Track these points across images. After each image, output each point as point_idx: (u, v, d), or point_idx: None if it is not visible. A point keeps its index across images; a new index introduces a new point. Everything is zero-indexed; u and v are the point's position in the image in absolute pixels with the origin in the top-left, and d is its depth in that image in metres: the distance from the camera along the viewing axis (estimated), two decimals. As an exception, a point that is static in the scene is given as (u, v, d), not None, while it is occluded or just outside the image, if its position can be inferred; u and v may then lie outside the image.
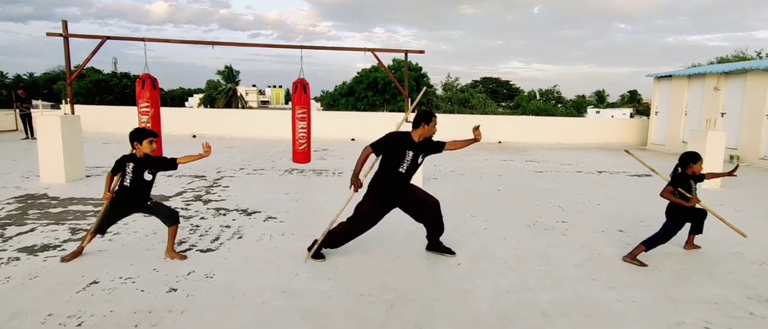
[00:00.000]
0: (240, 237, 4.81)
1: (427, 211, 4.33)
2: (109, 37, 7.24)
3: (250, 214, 5.73)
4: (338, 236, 4.22)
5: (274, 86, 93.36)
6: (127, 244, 4.47)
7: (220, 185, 7.48)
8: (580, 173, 10.12)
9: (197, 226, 5.15)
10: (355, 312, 3.23)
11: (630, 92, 75.93)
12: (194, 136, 15.84)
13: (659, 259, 4.51)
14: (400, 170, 4.12)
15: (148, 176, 4.07)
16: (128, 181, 3.99)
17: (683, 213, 4.44)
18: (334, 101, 33.60)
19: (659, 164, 11.97)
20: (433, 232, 4.47)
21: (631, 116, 52.03)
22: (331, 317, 3.14)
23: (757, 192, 8.49)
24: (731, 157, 12.53)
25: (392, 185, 4.17)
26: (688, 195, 4.36)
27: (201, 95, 55.93)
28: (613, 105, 70.04)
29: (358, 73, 32.65)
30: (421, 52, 8.01)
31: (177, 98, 67.83)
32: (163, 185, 7.36)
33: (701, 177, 4.63)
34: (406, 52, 7.97)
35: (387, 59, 35.06)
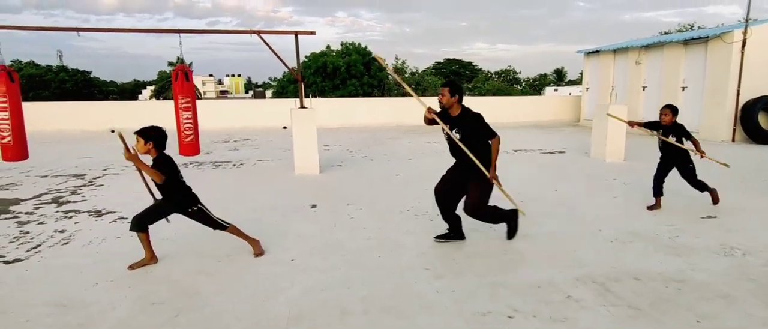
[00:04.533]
0: (66, 243, 4.37)
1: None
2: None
3: (100, 215, 5.27)
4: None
5: (233, 75, 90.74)
6: None
7: (93, 184, 6.94)
8: (496, 152, 10.00)
9: (25, 233, 4.66)
10: (128, 324, 2.88)
11: (586, 69, 77.55)
12: (113, 131, 14.97)
13: (512, 241, 4.35)
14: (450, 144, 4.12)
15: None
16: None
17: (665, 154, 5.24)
18: (283, 88, 32.72)
19: (583, 139, 12.06)
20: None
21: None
22: (91, 333, 2.78)
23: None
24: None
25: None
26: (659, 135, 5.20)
27: (153, 88, 53.79)
28: (572, 82, 71.31)
29: (305, 57, 31.79)
30: (312, 33, 7.61)
31: (128, 92, 65.00)
32: (28, 186, 6.77)
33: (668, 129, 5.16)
34: (297, 33, 7.54)
35: (334, 43, 34.28)
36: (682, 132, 5.14)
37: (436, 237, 4.39)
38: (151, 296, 3.28)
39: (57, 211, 5.47)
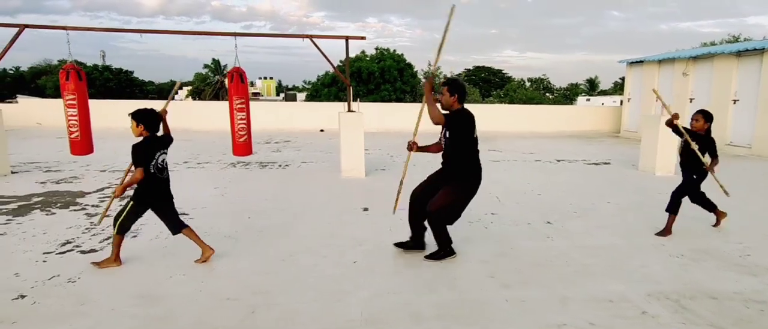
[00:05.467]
0: (134, 236, 4.53)
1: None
2: (27, 26, 6.87)
3: (161, 211, 5.45)
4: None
5: (265, 78, 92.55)
6: (3, 246, 4.19)
7: (150, 180, 7.17)
8: (538, 161, 9.88)
9: (96, 224, 4.87)
10: (207, 319, 2.97)
11: (622, 79, 75.49)
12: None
13: (574, 252, 4.28)
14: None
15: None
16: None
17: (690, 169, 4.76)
18: (317, 91, 33.11)
19: (627, 151, 11.77)
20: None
21: (621, 103, 51.56)
22: (174, 325, 2.88)
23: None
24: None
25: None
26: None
27: (189, 88, 55.35)
28: (605, 92, 69.55)
29: (340, 62, 32.09)
30: (363, 38, 7.70)
31: (165, 92, 67.01)
32: (90, 180, 7.07)
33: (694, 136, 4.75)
34: (347, 38, 7.65)
35: (369, 48, 34.51)
36: (709, 146, 4.76)
37: (396, 244, 4.29)
38: (223, 292, 3.36)
39: (120, 205, 5.66)
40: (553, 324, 2.99)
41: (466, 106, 4.01)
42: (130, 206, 3.66)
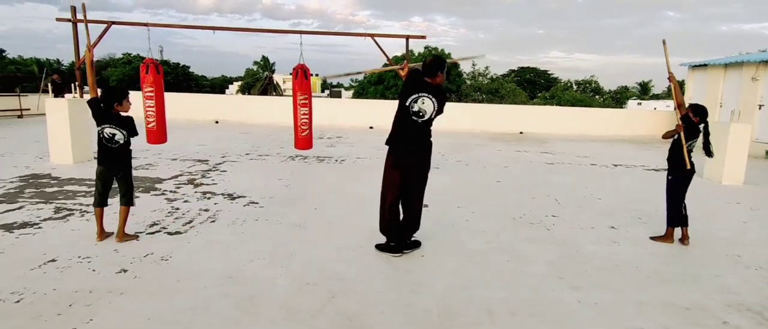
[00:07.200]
0: (213, 221, 4.84)
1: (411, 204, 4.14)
2: (114, 22, 7.41)
3: (233, 199, 5.77)
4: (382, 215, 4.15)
5: (311, 75, 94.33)
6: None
7: (218, 170, 7.58)
8: (594, 165, 9.65)
9: (176, 209, 5.22)
10: (292, 301, 3.17)
11: (679, 82, 71.48)
12: (217, 122, 16.17)
13: (644, 258, 4.22)
14: (415, 118, 3.89)
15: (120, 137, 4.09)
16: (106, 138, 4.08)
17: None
18: (364, 89, 33.54)
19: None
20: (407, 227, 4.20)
21: (678, 107, 48.74)
22: (264, 305, 3.09)
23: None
24: (767, 152, 11.65)
25: (409, 136, 3.98)
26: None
27: (240, 83, 57.22)
28: (657, 96, 66.40)
29: (387, 60, 32.37)
30: (423, 37, 7.81)
31: (217, 86, 69.60)
32: (164, 168, 7.54)
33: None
34: (408, 37, 7.77)
35: (417, 47, 34.52)
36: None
37: (378, 246, 4.21)
38: (302, 277, 3.56)
39: (195, 192, 6.05)
40: (630, 327, 2.99)
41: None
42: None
